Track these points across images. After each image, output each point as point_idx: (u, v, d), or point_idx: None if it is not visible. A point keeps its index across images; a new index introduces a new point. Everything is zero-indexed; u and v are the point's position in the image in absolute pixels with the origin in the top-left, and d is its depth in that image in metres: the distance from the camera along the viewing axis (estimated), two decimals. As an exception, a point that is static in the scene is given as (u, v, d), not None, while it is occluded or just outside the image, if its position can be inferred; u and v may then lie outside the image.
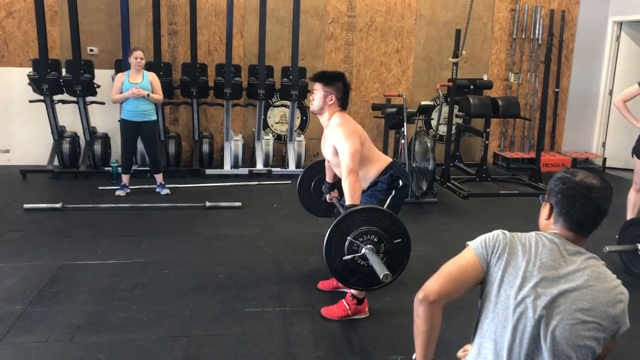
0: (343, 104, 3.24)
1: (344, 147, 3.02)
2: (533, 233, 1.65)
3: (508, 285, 1.55)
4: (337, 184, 3.58)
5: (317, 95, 3.20)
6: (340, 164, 3.05)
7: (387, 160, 3.31)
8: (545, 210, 1.68)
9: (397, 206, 3.28)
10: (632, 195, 4.84)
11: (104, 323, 3.14)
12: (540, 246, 1.59)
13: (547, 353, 1.49)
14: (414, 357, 1.69)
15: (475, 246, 1.64)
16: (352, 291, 3.27)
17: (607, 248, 3.95)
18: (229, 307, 3.38)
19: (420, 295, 1.60)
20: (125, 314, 3.25)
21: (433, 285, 1.59)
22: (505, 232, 1.65)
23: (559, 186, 1.62)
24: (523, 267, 1.55)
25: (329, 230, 2.82)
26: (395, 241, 2.88)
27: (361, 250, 2.80)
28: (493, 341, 1.56)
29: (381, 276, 2.57)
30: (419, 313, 1.60)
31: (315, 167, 3.99)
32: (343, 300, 3.31)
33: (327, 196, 3.71)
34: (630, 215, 4.75)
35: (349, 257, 2.81)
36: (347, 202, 2.94)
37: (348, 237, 2.80)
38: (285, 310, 3.38)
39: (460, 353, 1.85)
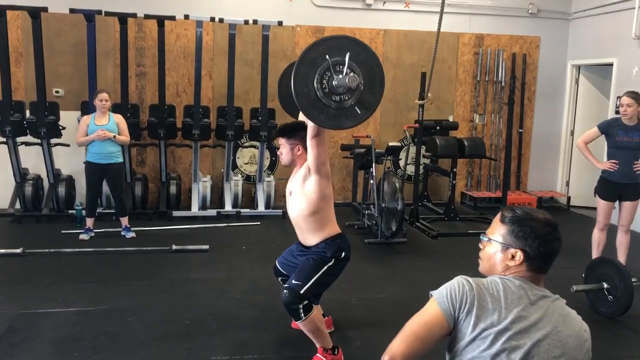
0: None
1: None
2: (497, 278, 1.63)
3: (480, 341, 1.53)
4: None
5: (285, 150, 3.21)
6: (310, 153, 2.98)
7: (338, 230, 3.24)
8: (511, 254, 1.63)
9: (333, 275, 3.18)
10: (596, 235, 4.93)
11: (63, 376, 3.01)
12: (509, 294, 1.57)
13: None
14: None
15: (440, 300, 1.59)
16: (319, 345, 3.19)
17: (575, 287, 4.00)
18: (195, 356, 3.28)
19: (386, 357, 1.54)
20: (86, 366, 3.12)
21: (398, 346, 1.54)
22: (470, 280, 1.61)
23: (534, 232, 1.61)
24: (495, 321, 1.53)
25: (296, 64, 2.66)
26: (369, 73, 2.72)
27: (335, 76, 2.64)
28: None
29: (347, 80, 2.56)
30: None
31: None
32: (317, 355, 3.21)
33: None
34: (595, 254, 4.82)
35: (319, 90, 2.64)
36: None
37: (318, 68, 2.63)
38: (253, 357, 3.30)
39: None
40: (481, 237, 1.73)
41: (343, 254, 3.15)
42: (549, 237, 1.60)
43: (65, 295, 4.17)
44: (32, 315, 3.78)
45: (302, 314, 3.00)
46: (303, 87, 2.63)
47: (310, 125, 2.86)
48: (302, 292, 2.99)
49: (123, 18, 6.43)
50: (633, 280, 3.98)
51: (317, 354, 3.21)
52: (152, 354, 3.28)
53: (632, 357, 3.60)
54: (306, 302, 3.00)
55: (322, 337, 3.19)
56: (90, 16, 6.32)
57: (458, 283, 1.60)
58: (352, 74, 2.60)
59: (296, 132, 3.15)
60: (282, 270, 3.48)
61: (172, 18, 6.53)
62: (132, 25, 6.89)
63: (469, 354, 1.54)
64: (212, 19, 6.52)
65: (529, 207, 1.71)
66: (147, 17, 6.45)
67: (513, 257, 1.63)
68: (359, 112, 2.72)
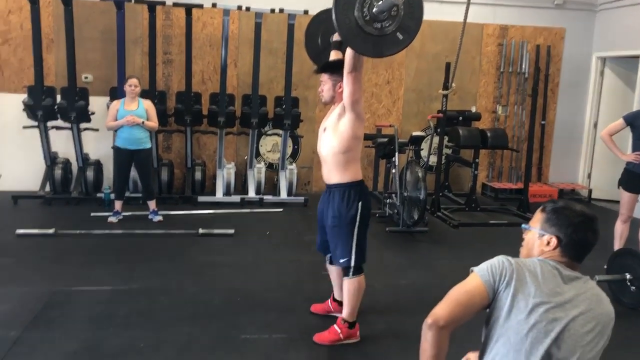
0: None
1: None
2: (535, 259, 1.74)
3: (518, 311, 1.62)
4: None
5: (327, 86, 3.26)
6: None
7: (361, 176, 3.30)
8: (547, 240, 1.75)
9: (365, 226, 3.28)
10: (619, 226, 4.95)
11: (99, 349, 3.14)
12: (545, 272, 1.68)
13: None
14: None
15: (481, 273, 1.70)
16: (343, 315, 3.32)
17: (597, 277, 4.03)
18: (225, 334, 3.40)
19: (429, 320, 1.64)
20: (120, 341, 3.24)
21: (442, 310, 1.64)
22: (510, 258, 1.73)
23: (567, 220, 1.73)
24: (532, 293, 1.63)
25: None
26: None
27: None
28: None
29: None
30: (427, 338, 1.65)
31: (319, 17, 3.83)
32: (334, 324, 3.35)
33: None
34: (617, 245, 4.84)
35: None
36: None
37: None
38: (281, 337, 3.40)
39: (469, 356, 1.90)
40: (522, 227, 1.87)
41: (360, 204, 3.20)
42: (582, 226, 1.71)
43: (96, 274, 4.31)
44: (66, 292, 3.93)
45: (351, 274, 3.25)
46: (344, 18, 2.67)
47: (347, 59, 2.91)
48: (352, 264, 3.22)
49: (152, 6, 6.54)
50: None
51: (335, 324, 3.34)
52: (183, 331, 3.40)
53: (652, 346, 3.63)
54: (357, 264, 3.24)
55: (353, 306, 3.30)
56: (119, 3, 6.43)
57: (498, 260, 1.72)
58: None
59: (340, 69, 3.14)
60: (324, 249, 3.55)
61: (200, 6, 6.63)
62: (160, 13, 7.00)
63: (507, 324, 1.63)
64: (239, 8, 6.60)
65: (571, 201, 1.81)
66: (175, 5, 6.54)
67: (548, 243, 1.75)
68: (400, 37, 2.76)
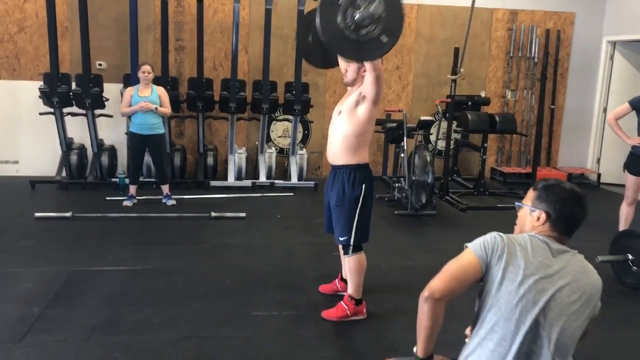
0: None
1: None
2: (526, 235, 1.85)
3: (509, 282, 1.73)
4: None
5: (351, 69, 3.34)
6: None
7: (367, 160, 3.43)
8: (537, 216, 1.86)
9: (368, 208, 3.41)
10: (624, 209, 5.02)
11: (118, 325, 3.29)
12: (535, 246, 1.79)
13: (546, 341, 1.68)
14: (414, 349, 1.85)
15: (475, 248, 1.81)
16: (349, 291, 3.47)
17: (599, 258, 4.11)
18: (238, 311, 3.53)
19: (425, 293, 1.76)
20: (138, 317, 3.39)
21: (438, 283, 1.76)
22: (502, 234, 1.84)
23: (555, 196, 1.84)
24: (522, 266, 1.74)
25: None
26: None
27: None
28: (496, 332, 1.72)
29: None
30: (424, 310, 1.76)
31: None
32: (342, 301, 3.47)
33: None
34: (622, 227, 4.91)
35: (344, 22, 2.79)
36: None
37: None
38: (290, 314, 3.54)
39: (467, 331, 2.02)
40: (516, 204, 1.99)
41: (364, 185, 3.34)
42: (570, 202, 1.82)
43: (113, 255, 4.46)
44: (84, 272, 4.08)
45: (350, 252, 3.42)
46: (328, 25, 2.76)
47: (369, 65, 3.05)
48: (352, 242, 3.37)
49: (164, -7, 6.64)
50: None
51: (342, 301, 3.48)
52: (198, 308, 3.54)
53: (653, 325, 3.72)
54: (357, 243, 3.39)
55: (356, 283, 3.45)
56: (132, -9, 6.53)
57: (490, 236, 1.83)
58: (375, 2, 2.70)
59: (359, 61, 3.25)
60: (331, 230, 3.67)
61: (211, -7, 6.72)
62: (172, 0, 7.10)
63: (498, 295, 1.73)
64: (250, -6, 6.68)
65: (562, 180, 1.92)
66: (186, -8, 6.64)
67: (538, 218, 1.86)
68: (384, 40, 2.83)
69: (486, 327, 1.75)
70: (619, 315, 3.71)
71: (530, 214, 1.88)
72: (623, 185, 5.20)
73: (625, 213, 5.00)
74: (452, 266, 1.80)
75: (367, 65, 3.09)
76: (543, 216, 1.84)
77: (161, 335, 3.18)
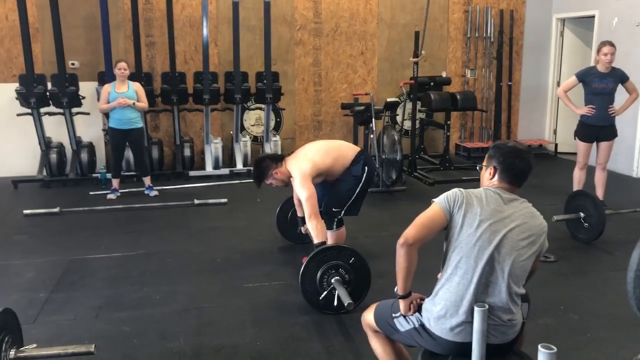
0: (279, 158, 3.92)
1: (302, 195, 3.63)
2: (482, 189, 2.22)
3: (468, 226, 2.09)
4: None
5: (275, 181, 3.90)
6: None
7: (355, 150, 3.92)
8: (489, 171, 2.22)
9: (366, 190, 3.96)
10: (576, 173, 5.48)
11: (122, 303, 3.58)
12: (489, 197, 2.15)
13: (500, 272, 2.05)
14: (395, 289, 2.21)
15: (439, 201, 2.17)
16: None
17: (555, 217, 4.55)
18: (230, 284, 3.86)
19: (401, 240, 2.12)
20: (139, 295, 3.69)
21: (411, 231, 2.12)
22: (461, 189, 2.19)
23: (499, 152, 2.20)
24: (479, 213, 2.09)
25: (302, 268, 3.38)
26: (357, 273, 3.42)
27: (331, 280, 3.34)
28: (460, 268, 2.08)
29: (346, 304, 3.16)
30: (401, 254, 2.12)
31: (287, 204, 4.65)
32: None
33: (302, 228, 4.28)
34: (575, 190, 5.36)
35: (323, 294, 3.35)
36: (315, 241, 3.53)
37: (319, 271, 3.35)
38: (278, 284, 3.88)
39: (438, 275, 2.37)
40: (477, 167, 2.35)
41: (367, 168, 3.86)
42: (510, 155, 2.18)
43: (106, 244, 4.71)
44: (82, 260, 4.34)
45: (335, 227, 3.90)
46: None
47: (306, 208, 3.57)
48: (341, 215, 3.86)
49: (132, -9, 6.82)
50: (606, 210, 4.55)
51: None
52: (193, 283, 3.86)
53: (604, 271, 4.17)
54: (340, 217, 3.87)
55: None
56: (101, -10, 6.70)
57: (452, 191, 2.19)
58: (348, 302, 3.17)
59: (267, 169, 3.88)
60: None
61: (178, -11, 6.92)
62: (140, -2, 7.28)
63: (460, 237, 2.10)
64: (216, -11, 6.91)
65: (509, 140, 2.30)
66: (154, -11, 6.83)
67: (490, 173, 2.22)
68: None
69: (452, 265, 2.11)
70: (572, 267, 4.16)
71: (485, 171, 2.25)
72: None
73: (577, 177, 5.46)
74: (422, 217, 2.16)
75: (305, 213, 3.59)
76: (492, 170, 2.20)
77: (163, 309, 3.49)
